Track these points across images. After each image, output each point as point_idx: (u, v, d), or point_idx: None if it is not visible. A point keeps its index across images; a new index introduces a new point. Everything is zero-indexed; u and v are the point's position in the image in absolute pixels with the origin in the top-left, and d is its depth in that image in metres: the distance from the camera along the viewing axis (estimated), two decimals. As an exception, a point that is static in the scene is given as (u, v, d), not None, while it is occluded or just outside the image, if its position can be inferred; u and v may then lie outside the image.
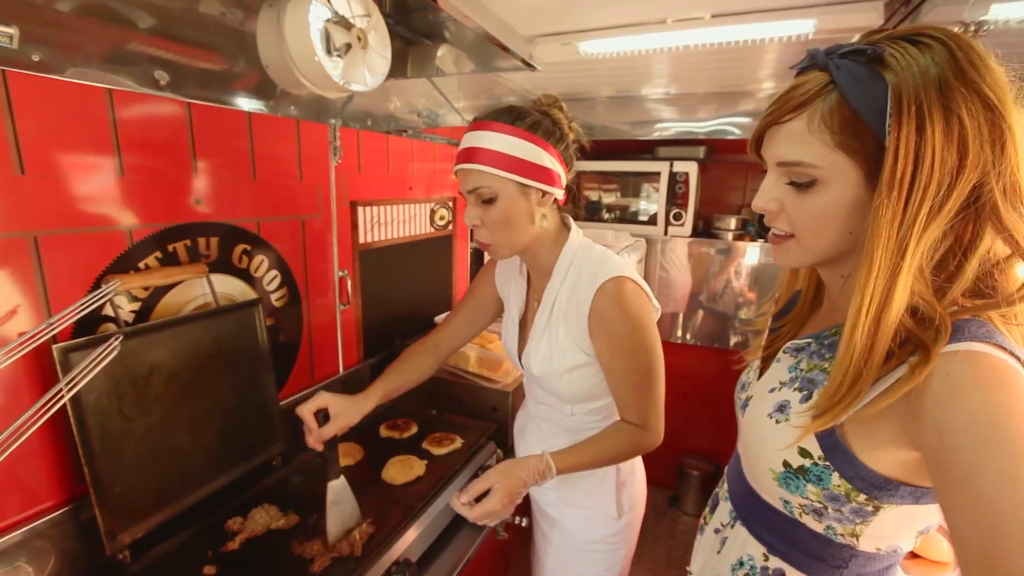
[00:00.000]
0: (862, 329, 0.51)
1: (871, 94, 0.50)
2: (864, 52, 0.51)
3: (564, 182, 0.95)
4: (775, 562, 0.66)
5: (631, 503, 1.11)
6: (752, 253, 2.37)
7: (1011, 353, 0.48)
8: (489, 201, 0.89)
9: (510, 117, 0.88)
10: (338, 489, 0.96)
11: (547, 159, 0.90)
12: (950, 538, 0.46)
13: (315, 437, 0.94)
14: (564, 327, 0.97)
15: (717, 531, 0.76)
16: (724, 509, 0.76)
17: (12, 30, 0.73)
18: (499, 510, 0.88)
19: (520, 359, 1.07)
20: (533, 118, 0.90)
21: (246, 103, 1.13)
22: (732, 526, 0.72)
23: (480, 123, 0.90)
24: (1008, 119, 0.48)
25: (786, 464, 0.60)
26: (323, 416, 0.95)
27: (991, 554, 0.42)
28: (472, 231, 0.95)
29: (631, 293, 0.92)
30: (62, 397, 0.78)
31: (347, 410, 0.98)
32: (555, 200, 0.95)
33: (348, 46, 1.07)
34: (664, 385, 0.97)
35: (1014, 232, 0.49)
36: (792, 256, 0.61)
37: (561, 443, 1.02)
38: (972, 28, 1.02)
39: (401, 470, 1.15)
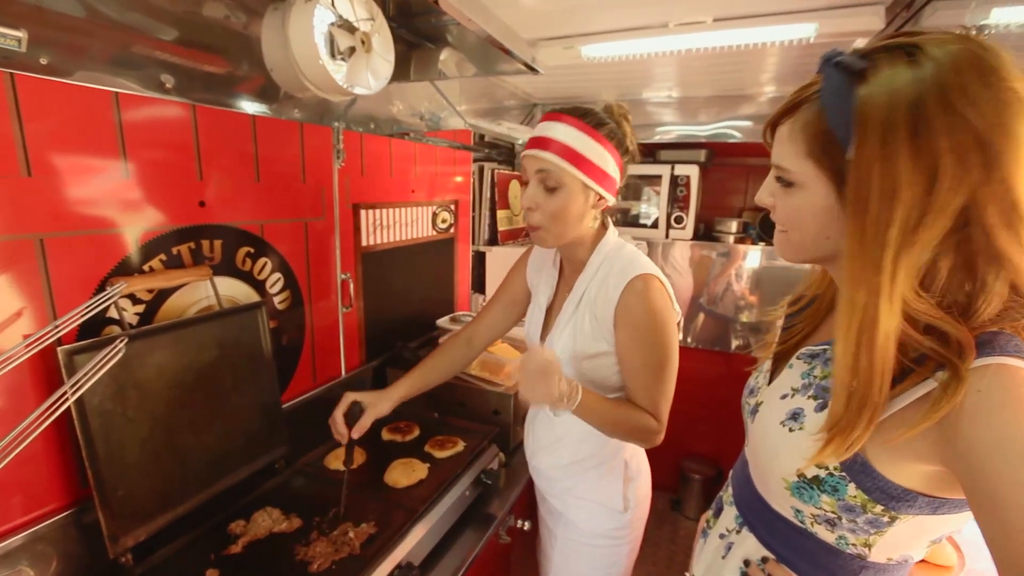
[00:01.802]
0: (849, 349, 0.50)
1: (845, 109, 0.49)
2: (846, 64, 0.49)
3: (617, 190, 1.01)
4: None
5: (636, 499, 1.12)
6: (753, 256, 2.37)
7: None
8: (552, 189, 0.94)
9: (592, 120, 0.93)
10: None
11: (612, 167, 0.95)
12: (993, 560, 0.45)
13: (357, 430, 1.04)
14: (590, 316, 1.00)
15: (722, 536, 0.75)
16: (730, 514, 0.75)
17: (21, 33, 0.74)
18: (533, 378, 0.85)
19: (543, 342, 1.10)
20: (610, 127, 0.95)
21: (250, 106, 1.13)
22: (739, 532, 0.71)
23: (560, 115, 0.93)
24: (998, 144, 0.45)
25: (800, 474, 0.58)
26: (358, 410, 1.05)
27: None
28: (524, 214, 1.00)
29: (657, 291, 0.95)
30: (67, 400, 0.78)
31: (378, 400, 1.09)
32: (606, 206, 1.01)
33: (352, 49, 1.07)
34: (675, 386, 0.99)
35: (1004, 258, 0.47)
36: (783, 248, 0.63)
37: (574, 433, 1.06)
38: (973, 32, 1.02)
39: (403, 473, 1.15)
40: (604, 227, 1.06)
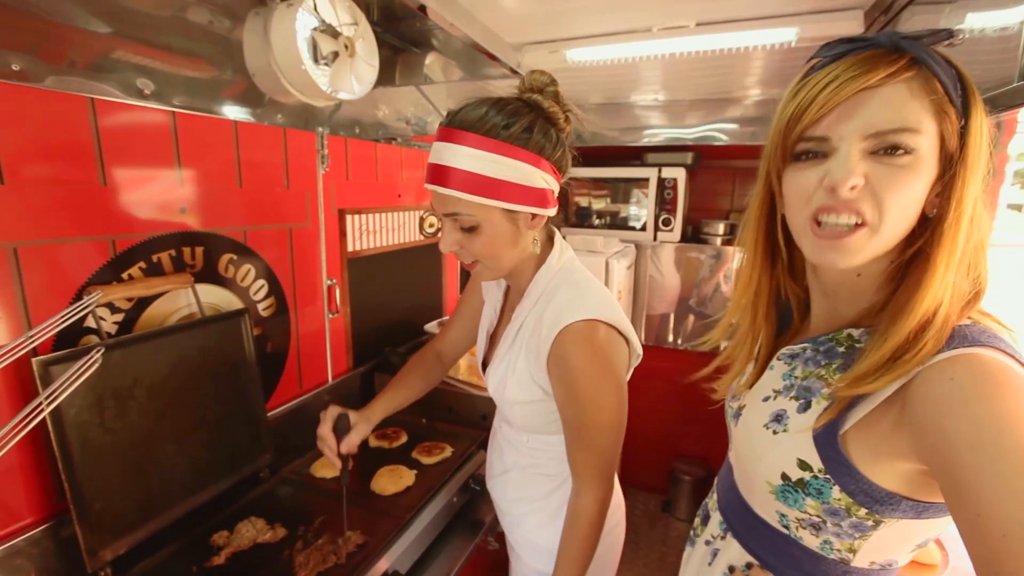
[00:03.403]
0: (942, 313, 0.49)
1: (951, 76, 0.50)
2: (940, 35, 0.51)
3: (557, 194, 0.83)
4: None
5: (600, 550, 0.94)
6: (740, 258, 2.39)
7: (1013, 357, 0.46)
8: (470, 229, 0.77)
9: (494, 127, 0.73)
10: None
11: (539, 177, 0.76)
12: (968, 555, 0.45)
13: (346, 447, 0.94)
14: (525, 356, 0.87)
15: (708, 543, 0.74)
16: (715, 521, 0.74)
17: (-10, 39, 0.72)
18: None
19: (484, 372, 1.00)
20: (522, 122, 0.74)
21: (232, 111, 1.12)
22: (723, 538, 0.71)
23: (453, 132, 0.73)
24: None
25: (784, 477, 0.58)
26: (345, 425, 0.96)
27: (999, 573, 0.41)
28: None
29: (602, 340, 0.79)
30: (41, 411, 0.77)
31: (361, 420, 0.98)
32: (547, 218, 0.84)
33: (335, 54, 1.07)
34: (621, 444, 0.86)
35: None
36: (866, 250, 0.51)
37: (521, 465, 0.96)
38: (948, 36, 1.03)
39: (391, 480, 1.14)
40: (551, 242, 0.90)
